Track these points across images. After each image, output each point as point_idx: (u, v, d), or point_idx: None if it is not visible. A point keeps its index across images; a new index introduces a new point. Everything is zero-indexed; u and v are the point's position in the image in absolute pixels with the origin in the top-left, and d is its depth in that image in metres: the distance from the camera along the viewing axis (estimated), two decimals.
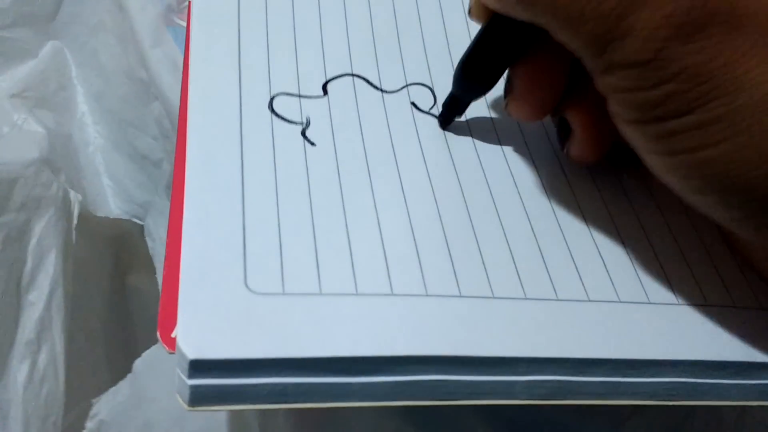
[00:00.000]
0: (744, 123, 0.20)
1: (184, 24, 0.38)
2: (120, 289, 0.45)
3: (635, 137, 0.23)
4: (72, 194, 0.40)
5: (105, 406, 0.35)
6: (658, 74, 0.21)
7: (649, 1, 0.20)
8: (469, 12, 0.26)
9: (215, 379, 0.20)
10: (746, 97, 0.20)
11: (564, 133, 0.27)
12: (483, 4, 0.25)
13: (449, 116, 0.28)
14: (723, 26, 0.20)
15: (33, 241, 0.37)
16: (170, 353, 0.21)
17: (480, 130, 0.28)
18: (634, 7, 0.20)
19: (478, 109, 0.29)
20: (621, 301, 0.24)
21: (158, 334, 0.21)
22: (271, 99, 0.27)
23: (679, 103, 0.21)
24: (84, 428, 0.36)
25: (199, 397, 0.20)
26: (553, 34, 0.22)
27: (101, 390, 0.37)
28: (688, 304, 0.24)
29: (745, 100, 0.20)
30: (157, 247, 0.40)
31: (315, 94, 0.28)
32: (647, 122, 0.22)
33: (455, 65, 0.28)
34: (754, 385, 0.24)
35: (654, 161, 0.23)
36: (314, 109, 0.27)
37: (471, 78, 0.27)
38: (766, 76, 0.20)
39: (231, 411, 0.32)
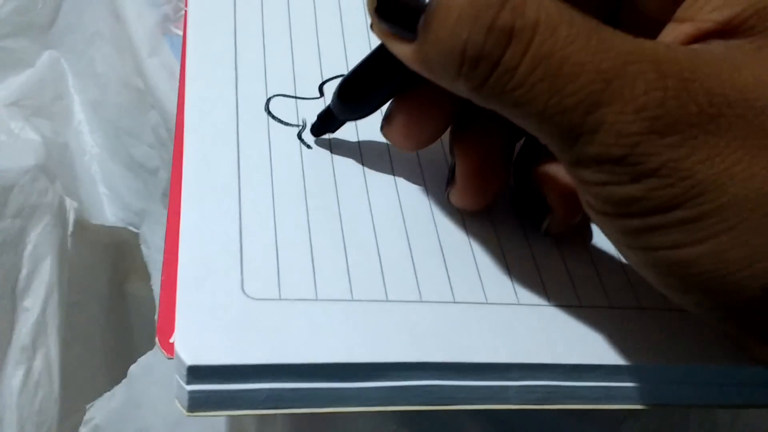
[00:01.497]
0: (731, 221, 0.19)
1: (181, 33, 0.38)
2: (116, 297, 0.45)
3: (609, 230, 0.21)
4: (68, 202, 0.40)
5: (100, 411, 0.35)
6: (636, 170, 0.19)
7: (619, 94, 0.19)
8: (371, 26, 0.23)
9: (213, 384, 0.20)
10: (732, 194, 0.19)
11: (449, 178, 0.25)
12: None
13: (321, 129, 0.27)
14: (701, 117, 0.19)
15: (29, 248, 0.38)
16: (169, 359, 0.21)
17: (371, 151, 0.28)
18: (602, 100, 0.19)
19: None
20: (612, 307, 0.24)
21: (157, 339, 0.22)
22: (268, 101, 0.27)
23: (660, 199, 0.19)
24: None
25: (197, 403, 0.20)
26: (512, 119, 0.21)
27: (97, 396, 0.37)
28: (680, 310, 0.24)
29: (730, 198, 0.19)
30: (153, 255, 0.41)
31: (311, 95, 0.28)
32: (624, 217, 0.20)
33: None
34: (745, 387, 0.24)
35: (629, 255, 0.21)
36: (311, 111, 0.27)
37: (347, 101, 0.25)
38: (750, 171, 0.19)
39: (228, 417, 0.32)
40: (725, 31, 0.21)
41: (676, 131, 0.19)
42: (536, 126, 0.20)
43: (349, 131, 0.27)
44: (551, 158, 0.24)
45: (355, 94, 0.25)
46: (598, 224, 0.22)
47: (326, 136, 0.27)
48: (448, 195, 0.25)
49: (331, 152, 0.26)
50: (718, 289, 0.20)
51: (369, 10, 0.22)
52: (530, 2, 0.19)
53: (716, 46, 0.21)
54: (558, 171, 0.24)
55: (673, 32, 0.22)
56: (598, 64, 0.19)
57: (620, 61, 0.19)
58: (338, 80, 0.27)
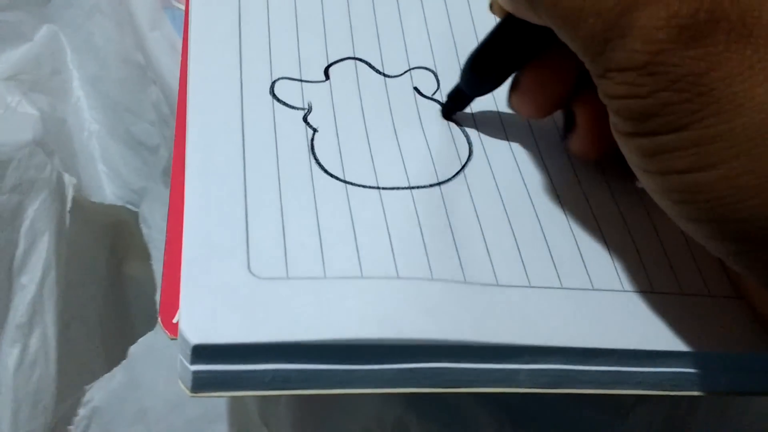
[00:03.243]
0: (743, 145, 0.18)
1: (182, 7, 0.37)
2: (115, 276, 0.45)
3: (629, 152, 0.21)
4: (66, 177, 0.40)
5: (99, 392, 0.35)
6: (654, 80, 0.19)
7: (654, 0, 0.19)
8: (490, 6, 0.25)
9: (218, 364, 0.20)
10: (748, 116, 0.18)
11: (568, 126, 0.26)
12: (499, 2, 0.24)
13: (453, 108, 0.27)
14: (730, 34, 0.19)
15: (26, 224, 0.37)
16: (172, 339, 0.21)
17: (486, 122, 0.28)
18: (636, 4, 0.19)
19: (486, 103, 0.28)
20: (625, 291, 0.24)
21: (159, 319, 0.21)
22: (273, 83, 0.27)
23: (674, 115, 0.19)
24: (77, 415, 0.36)
25: (201, 383, 0.20)
26: (558, 35, 0.21)
27: (96, 377, 0.37)
28: (693, 295, 0.24)
29: (746, 120, 0.18)
30: (153, 234, 0.40)
31: (317, 78, 0.28)
32: (641, 135, 0.20)
33: (458, 50, 0.28)
34: (759, 374, 0.24)
35: (647, 182, 0.21)
36: (316, 94, 0.27)
37: (479, 74, 0.26)
38: None
39: (230, 398, 0.32)
40: None
41: (702, 44, 0.19)
42: (571, 30, 0.20)
43: (355, 113, 0.27)
44: (587, 89, 0.24)
45: (486, 67, 0.26)
46: (621, 148, 0.22)
47: (330, 116, 0.27)
48: (567, 143, 0.26)
49: (338, 134, 0.26)
50: (728, 218, 0.19)
51: None
52: None
53: None
54: (588, 96, 0.25)
55: None
56: None
57: None
58: (345, 63, 0.26)
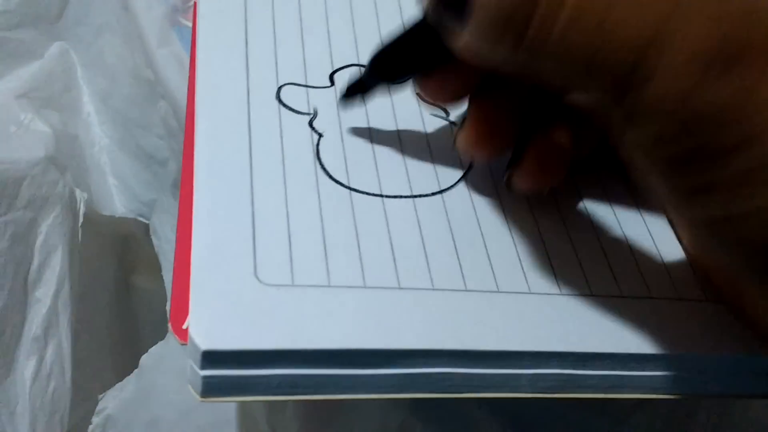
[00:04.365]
0: None
1: (190, 24, 0.38)
2: (125, 288, 0.45)
3: (659, 189, 0.20)
4: (78, 193, 0.41)
5: (112, 401, 0.36)
6: (692, 117, 0.18)
7: (673, 39, 0.17)
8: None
9: (227, 370, 0.20)
10: None
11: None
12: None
13: (351, 95, 0.26)
14: (761, 60, 0.17)
15: (40, 239, 0.38)
16: (182, 344, 0.21)
17: None
18: (655, 47, 0.17)
19: None
20: (624, 296, 0.24)
21: (170, 326, 0.22)
22: (279, 89, 0.27)
23: (715, 148, 0.18)
24: (91, 423, 0.36)
25: (211, 388, 0.20)
26: (556, 83, 0.20)
27: (107, 386, 0.37)
28: (690, 300, 0.25)
29: None
30: (163, 246, 0.41)
31: (322, 84, 0.28)
32: (677, 175, 0.19)
33: None
34: (757, 377, 0.24)
35: (679, 214, 0.20)
36: (322, 100, 0.27)
37: (383, 74, 0.25)
38: None
39: (238, 405, 0.33)
40: None
41: (734, 74, 0.17)
42: (583, 82, 0.19)
43: (360, 120, 0.27)
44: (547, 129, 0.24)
45: (391, 67, 0.25)
46: (647, 185, 0.20)
47: (336, 122, 0.27)
48: (455, 139, 0.25)
49: (343, 140, 0.26)
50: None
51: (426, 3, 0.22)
52: None
53: None
54: (545, 132, 0.24)
55: None
56: (650, 7, 0.17)
57: (673, 3, 0.17)
58: (350, 69, 0.27)
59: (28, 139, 0.40)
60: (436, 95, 0.25)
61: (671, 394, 0.24)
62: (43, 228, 0.38)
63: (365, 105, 0.27)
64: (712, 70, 0.17)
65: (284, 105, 0.27)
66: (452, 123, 0.28)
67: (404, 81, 0.26)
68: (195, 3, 0.30)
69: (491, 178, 0.27)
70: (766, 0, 0.18)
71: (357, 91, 0.26)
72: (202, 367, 0.20)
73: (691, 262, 0.26)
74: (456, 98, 0.25)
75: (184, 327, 0.21)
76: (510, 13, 0.19)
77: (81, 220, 0.40)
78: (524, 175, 0.25)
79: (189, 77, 0.28)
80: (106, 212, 0.42)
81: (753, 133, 0.18)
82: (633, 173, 0.20)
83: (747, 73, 0.17)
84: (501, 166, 0.27)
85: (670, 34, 0.17)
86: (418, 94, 0.26)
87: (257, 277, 0.22)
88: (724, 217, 0.19)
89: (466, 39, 0.21)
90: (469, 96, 0.25)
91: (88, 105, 0.43)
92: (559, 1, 0.18)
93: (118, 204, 0.43)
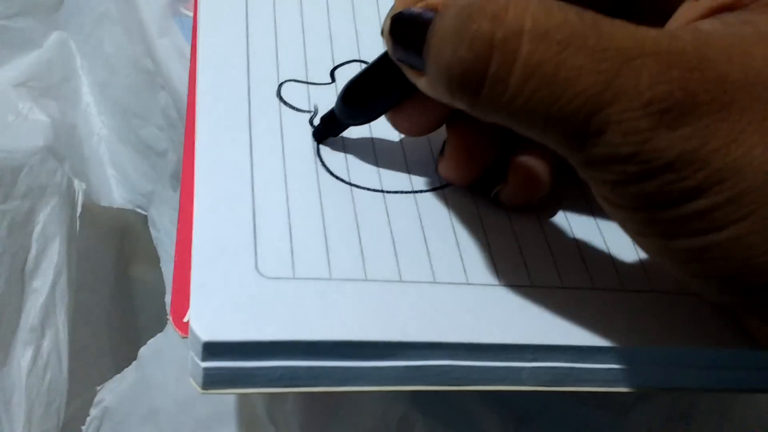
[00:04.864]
0: (750, 207, 0.18)
1: (191, 14, 0.38)
2: (123, 279, 0.45)
3: (625, 222, 0.21)
4: (76, 183, 0.40)
5: (109, 393, 0.35)
6: (649, 166, 0.18)
7: (623, 92, 0.18)
8: (382, 32, 0.23)
9: (228, 361, 0.20)
10: (750, 179, 0.18)
11: (442, 149, 0.26)
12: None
13: (325, 133, 0.26)
14: (712, 105, 0.18)
15: (37, 229, 0.38)
16: (183, 337, 0.21)
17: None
18: (606, 100, 0.18)
19: None
20: (625, 290, 0.24)
21: (171, 318, 0.22)
22: (279, 86, 0.27)
23: (677, 192, 0.19)
24: (88, 415, 0.36)
25: (212, 380, 0.20)
26: (518, 132, 0.20)
27: (104, 378, 0.37)
28: (690, 294, 0.25)
29: (750, 183, 0.18)
30: (162, 237, 0.41)
31: (323, 80, 0.28)
32: (641, 210, 0.20)
33: None
34: (757, 372, 0.24)
35: (646, 244, 0.21)
36: (322, 96, 0.27)
37: (354, 106, 0.25)
38: None
39: (238, 398, 0.33)
40: (736, 3, 0.20)
41: (686, 123, 0.18)
42: (540, 135, 0.19)
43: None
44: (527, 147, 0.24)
45: (361, 99, 0.25)
46: (612, 216, 0.21)
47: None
48: (437, 166, 0.26)
49: (343, 137, 0.26)
50: (738, 275, 0.19)
51: (384, 35, 0.22)
52: (512, 9, 0.18)
53: (728, 24, 0.20)
54: (527, 152, 0.25)
55: (688, 10, 0.21)
56: (597, 64, 0.18)
57: (621, 59, 0.18)
58: (351, 66, 0.27)
59: (26, 129, 0.40)
60: (409, 128, 0.25)
61: (672, 388, 0.24)
62: (41, 218, 0.38)
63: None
64: (664, 121, 0.18)
65: (285, 102, 0.27)
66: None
67: (376, 115, 0.26)
68: None
69: (491, 194, 0.26)
70: (710, 56, 0.19)
71: (329, 124, 0.26)
72: (203, 359, 0.20)
73: None
74: (428, 130, 0.26)
75: (185, 320, 0.21)
76: (461, 74, 0.19)
77: (79, 210, 0.40)
78: (510, 193, 0.25)
79: (190, 68, 0.28)
80: (105, 203, 0.42)
81: (710, 178, 0.18)
82: (601, 204, 0.21)
83: (698, 122, 0.18)
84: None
85: (620, 85, 0.18)
86: (392, 122, 0.26)
87: (258, 270, 0.22)
88: (686, 250, 0.19)
89: (424, 84, 0.21)
90: (445, 124, 0.25)
91: (87, 95, 0.43)
92: (510, 59, 0.18)
93: (116, 195, 0.42)
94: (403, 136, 0.27)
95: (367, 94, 0.25)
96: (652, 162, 0.18)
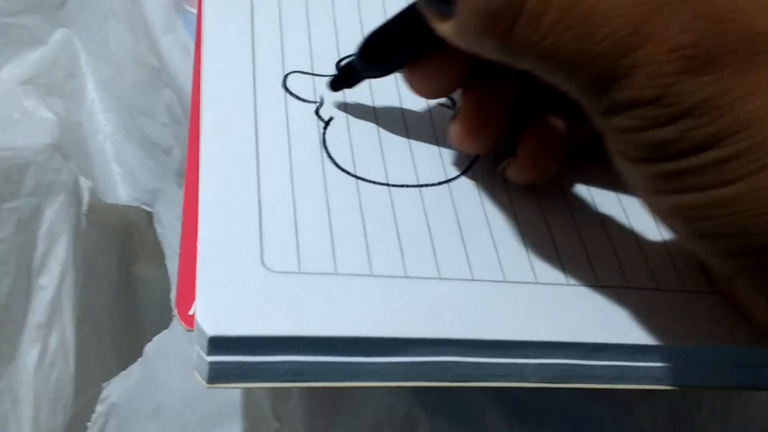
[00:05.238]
0: (765, 160, 0.18)
1: (195, 11, 0.38)
2: (128, 276, 0.45)
3: (641, 176, 0.21)
4: (82, 180, 0.41)
5: (116, 389, 0.36)
6: (671, 111, 0.19)
7: (652, 36, 0.18)
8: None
9: (234, 356, 0.20)
10: (766, 131, 0.18)
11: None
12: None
13: (341, 83, 0.27)
14: (736, 55, 0.18)
15: (44, 226, 0.38)
16: (188, 330, 0.21)
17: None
18: (635, 43, 0.18)
19: None
20: (630, 287, 0.24)
21: (176, 312, 0.22)
22: (285, 77, 0.27)
23: (696, 139, 0.19)
24: (94, 412, 0.36)
25: (218, 375, 0.20)
26: (540, 76, 0.21)
27: (109, 375, 0.37)
28: (696, 291, 0.25)
29: (765, 135, 0.18)
30: (167, 234, 0.41)
31: (328, 72, 0.28)
32: (658, 161, 0.20)
33: None
34: (762, 369, 0.24)
35: (659, 202, 0.21)
36: (328, 88, 0.27)
37: (373, 59, 0.25)
38: None
39: (243, 393, 0.33)
40: None
41: (711, 70, 0.18)
42: (567, 75, 0.20)
43: (367, 109, 0.27)
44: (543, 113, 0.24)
45: (381, 52, 0.25)
46: (628, 172, 0.21)
47: (342, 111, 0.27)
48: (449, 131, 0.25)
49: (349, 129, 0.26)
50: (750, 232, 0.19)
51: None
52: None
53: None
54: (539, 124, 0.25)
55: None
56: (631, 7, 0.18)
57: (654, 3, 0.18)
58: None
59: (32, 126, 0.40)
60: (424, 88, 0.25)
61: (676, 386, 0.24)
62: (48, 215, 0.38)
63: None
64: (690, 67, 0.18)
65: (291, 93, 0.27)
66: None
67: (393, 69, 0.26)
68: None
69: (498, 168, 0.26)
70: (740, 7, 0.19)
71: (347, 75, 0.26)
72: (209, 353, 0.20)
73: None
74: (444, 92, 0.26)
75: (190, 313, 0.21)
76: (496, 10, 0.20)
77: (85, 207, 0.40)
78: (519, 167, 0.25)
79: (194, 64, 0.28)
80: (110, 200, 0.42)
81: (728, 127, 0.19)
82: (613, 161, 0.21)
83: (722, 71, 0.18)
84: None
85: (651, 29, 0.18)
86: (407, 79, 0.25)
87: (264, 264, 0.22)
88: (699, 205, 0.20)
89: (451, 29, 0.21)
90: (461, 89, 0.25)
91: (92, 92, 0.43)
92: None
93: (121, 192, 0.43)
94: (409, 129, 0.27)
95: (387, 45, 0.25)
96: (674, 106, 0.19)
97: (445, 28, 0.22)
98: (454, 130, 0.25)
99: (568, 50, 0.19)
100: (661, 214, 0.21)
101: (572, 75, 0.20)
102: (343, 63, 0.26)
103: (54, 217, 0.38)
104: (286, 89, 0.27)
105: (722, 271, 0.22)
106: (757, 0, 0.19)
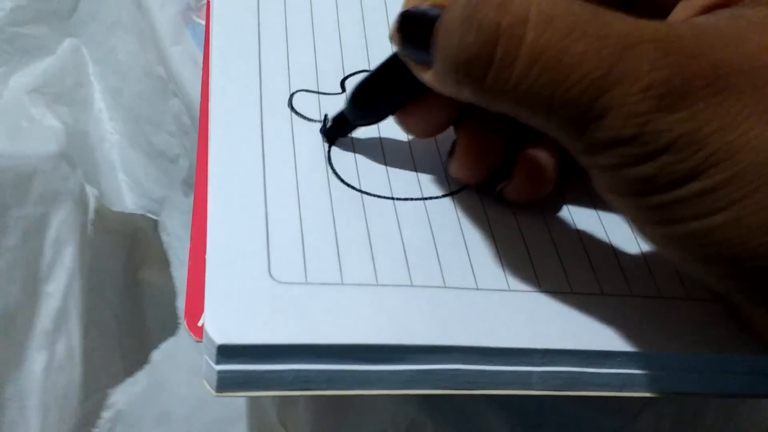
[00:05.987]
0: (747, 188, 0.19)
1: (203, 22, 0.38)
2: (134, 283, 0.46)
3: (626, 209, 0.21)
4: (88, 188, 0.41)
5: (122, 396, 0.36)
6: (648, 148, 0.19)
7: (623, 77, 0.19)
8: (391, 38, 0.24)
9: (242, 364, 0.20)
10: (747, 161, 0.19)
11: (451, 150, 0.26)
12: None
13: (335, 133, 0.27)
14: (709, 89, 0.19)
15: (51, 234, 0.38)
16: (197, 341, 0.21)
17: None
18: (607, 85, 0.19)
19: None
20: (633, 295, 0.24)
21: (184, 322, 0.22)
22: (291, 96, 0.28)
23: (675, 174, 0.19)
24: (101, 418, 0.36)
25: (226, 383, 0.20)
26: (521, 120, 0.21)
27: (115, 381, 0.38)
28: (698, 299, 0.25)
29: (746, 165, 0.19)
30: (173, 242, 0.41)
31: (333, 90, 0.28)
32: (640, 195, 0.20)
33: None
34: (760, 378, 0.24)
35: (647, 231, 0.21)
36: (333, 106, 0.28)
37: (363, 107, 0.26)
38: (765, 136, 0.19)
39: (250, 401, 0.33)
40: (731, 0, 0.21)
41: (684, 106, 0.19)
42: (544, 121, 0.20)
43: (369, 127, 0.27)
44: (533, 140, 0.25)
45: (370, 100, 0.26)
46: (613, 204, 0.22)
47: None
48: (447, 166, 0.26)
49: (354, 145, 0.27)
50: (737, 258, 0.19)
51: (393, 34, 0.23)
52: None
53: (723, 17, 0.21)
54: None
55: (684, 9, 0.22)
56: (599, 51, 0.19)
57: (621, 46, 0.19)
58: (360, 76, 0.27)
59: (39, 134, 0.40)
60: (416, 129, 0.26)
61: (681, 394, 0.24)
62: (54, 223, 0.38)
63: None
64: (663, 104, 0.19)
65: (296, 112, 0.27)
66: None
67: (385, 115, 0.26)
68: (208, 1, 0.31)
69: (496, 190, 0.27)
70: (706, 43, 0.19)
71: (339, 125, 0.27)
72: (218, 362, 0.20)
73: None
74: (435, 132, 0.26)
75: (199, 324, 0.21)
76: (467, 60, 0.20)
77: (91, 215, 0.41)
78: (515, 189, 0.26)
79: (202, 76, 0.29)
80: (116, 208, 0.43)
81: (707, 159, 0.19)
82: (601, 195, 0.22)
83: (695, 105, 0.19)
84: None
85: (621, 71, 0.19)
86: (402, 123, 0.26)
87: (271, 276, 0.22)
88: (687, 235, 0.20)
89: (431, 77, 0.22)
90: (453, 126, 0.26)
91: (100, 101, 0.43)
92: (515, 45, 0.19)
93: (128, 200, 0.43)
94: (412, 143, 0.27)
95: (375, 94, 0.25)
96: (651, 144, 0.19)
97: (426, 77, 0.22)
98: (453, 166, 0.26)
99: (542, 95, 0.19)
100: (654, 242, 0.22)
101: (550, 119, 0.20)
102: (334, 114, 0.27)
103: (61, 224, 0.38)
104: (292, 108, 0.27)
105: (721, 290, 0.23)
106: (719, 33, 0.20)
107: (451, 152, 0.26)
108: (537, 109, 0.20)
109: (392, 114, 0.26)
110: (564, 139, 0.20)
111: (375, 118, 0.26)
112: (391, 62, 0.25)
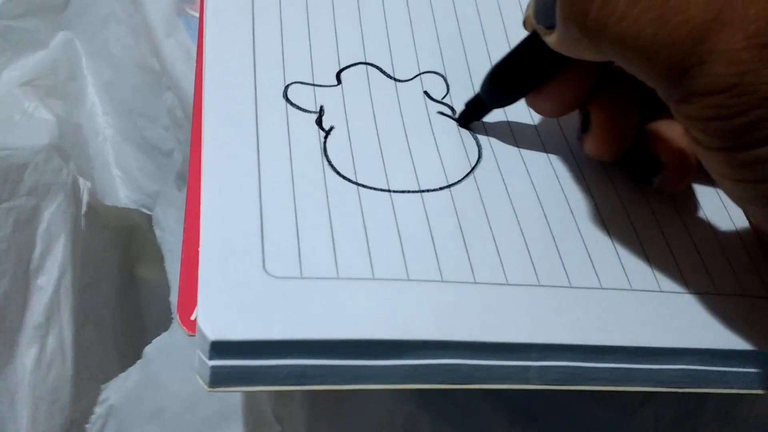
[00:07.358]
0: None
1: (197, 14, 0.38)
2: (127, 278, 0.45)
3: (716, 164, 0.21)
4: (81, 181, 0.41)
5: (115, 391, 0.36)
6: (744, 100, 0.19)
7: (728, 22, 0.19)
8: (524, 23, 0.25)
9: (235, 360, 0.20)
10: None
11: (584, 126, 0.26)
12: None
13: (470, 117, 0.28)
14: None
15: (42, 226, 0.38)
16: (190, 336, 0.21)
17: (495, 126, 0.28)
18: (711, 30, 0.19)
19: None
20: (633, 290, 0.24)
21: (177, 317, 0.22)
22: (286, 88, 0.27)
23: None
24: (93, 413, 0.36)
25: (219, 378, 0.20)
26: (622, 66, 0.21)
27: (108, 376, 0.37)
28: (698, 293, 0.25)
29: None
30: (166, 237, 0.41)
31: (329, 83, 0.28)
32: (732, 150, 0.20)
33: (467, 54, 0.29)
34: (759, 373, 0.24)
35: (735, 189, 0.21)
36: (328, 98, 0.27)
37: (500, 87, 0.27)
38: None
39: (244, 396, 0.33)
40: None
41: None
42: (643, 62, 0.20)
43: (366, 117, 0.27)
44: (662, 115, 0.25)
45: (507, 81, 0.27)
46: (704, 160, 0.22)
47: (342, 120, 0.27)
48: (583, 144, 0.26)
49: (349, 134, 0.26)
50: None
51: (530, 16, 0.24)
52: None
53: None
54: (669, 129, 0.25)
55: None
56: None
57: None
58: (356, 68, 0.27)
59: (31, 127, 0.40)
60: (547, 109, 0.26)
61: (678, 389, 0.24)
62: (46, 215, 0.38)
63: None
64: (765, 57, 0.18)
65: (291, 103, 0.27)
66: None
67: (519, 96, 0.27)
68: None
69: (499, 173, 0.27)
70: None
71: (474, 110, 0.28)
72: (211, 358, 0.20)
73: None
74: (566, 110, 0.26)
75: (192, 318, 0.21)
76: None
77: (84, 209, 0.40)
78: (669, 178, 0.26)
79: (196, 68, 0.28)
80: (110, 202, 0.42)
81: None
82: (693, 146, 0.22)
83: None
84: (510, 160, 0.27)
85: (728, 16, 0.19)
86: (531, 106, 0.27)
87: (265, 270, 0.22)
88: None
89: (555, 38, 0.23)
90: (586, 103, 0.26)
91: (93, 95, 0.43)
92: None
93: (121, 194, 0.43)
94: (409, 136, 0.27)
95: (512, 75, 0.26)
96: (749, 95, 0.19)
97: (550, 40, 0.23)
98: (590, 144, 0.26)
99: (645, 35, 0.19)
100: (741, 201, 0.22)
101: (649, 61, 0.20)
102: (469, 99, 0.28)
103: (52, 217, 0.38)
104: (287, 100, 0.27)
105: None
106: None
107: (585, 129, 0.26)
108: (636, 52, 0.20)
109: (526, 95, 0.27)
110: (661, 86, 0.20)
111: (510, 99, 0.27)
112: (526, 43, 0.26)
